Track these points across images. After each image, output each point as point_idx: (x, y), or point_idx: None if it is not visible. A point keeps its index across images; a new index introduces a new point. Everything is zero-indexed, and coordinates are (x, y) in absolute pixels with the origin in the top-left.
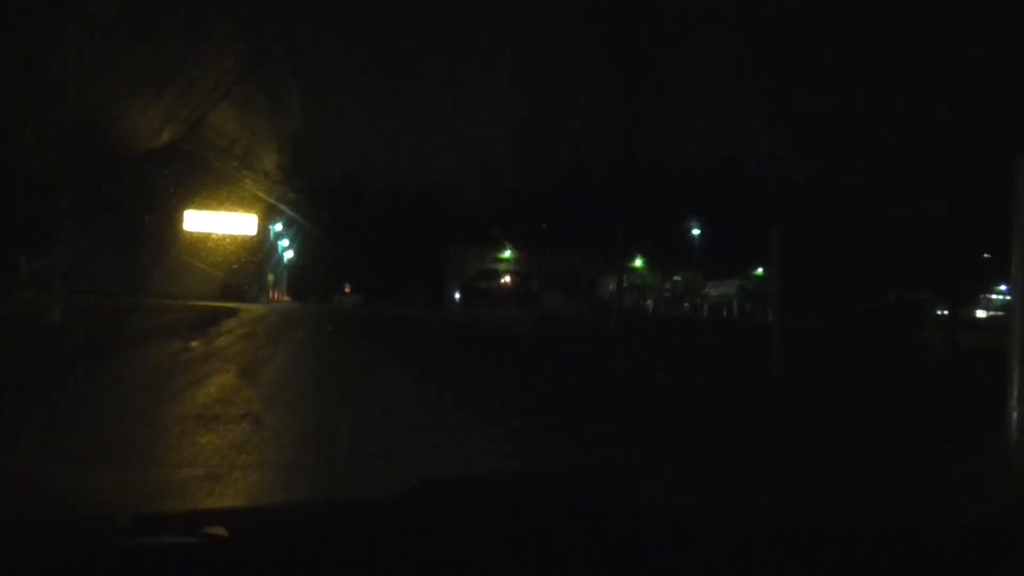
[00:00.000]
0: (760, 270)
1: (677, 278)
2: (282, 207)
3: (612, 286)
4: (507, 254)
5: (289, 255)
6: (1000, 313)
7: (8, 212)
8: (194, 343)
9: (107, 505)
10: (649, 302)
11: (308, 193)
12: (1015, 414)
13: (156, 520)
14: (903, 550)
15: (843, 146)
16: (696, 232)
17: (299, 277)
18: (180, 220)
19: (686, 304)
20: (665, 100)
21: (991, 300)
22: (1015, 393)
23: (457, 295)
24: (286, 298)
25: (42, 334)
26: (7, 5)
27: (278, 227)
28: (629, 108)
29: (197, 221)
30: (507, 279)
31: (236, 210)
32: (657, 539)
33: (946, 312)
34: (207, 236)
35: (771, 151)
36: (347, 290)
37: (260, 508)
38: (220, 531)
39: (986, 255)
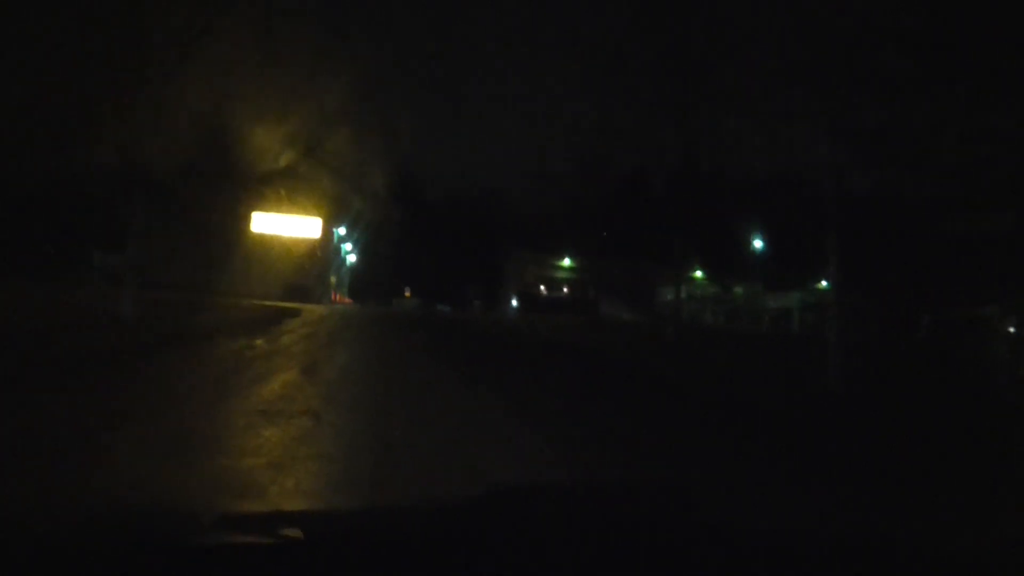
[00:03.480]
0: (823, 283)
1: (737, 289)
2: (346, 211)
3: (670, 296)
4: (566, 261)
5: (352, 258)
6: None
7: (83, 208)
8: (258, 341)
9: (178, 491)
10: (708, 313)
11: (372, 198)
12: None
13: (237, 519)
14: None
15: (906, 157)
16: (757, 244)
17: (360, 280)
18: (248, 221)
19: (744, 316)
20: (725, 109)
21: None
22: None
23: (514, 301)
24: (347, 300)
25: (114, 328)
26: (142, 33)
27: (342, 230)
28: (689, 117)
29: (264, 223)
30: (565, 286)
31: (302, 213)
32: (720, 557)
33: (1013, 329)
34: (274, 238)
35: (832, 162)
36: (407, 293)
37: (335, 511)
38: (296, 533)
39: None
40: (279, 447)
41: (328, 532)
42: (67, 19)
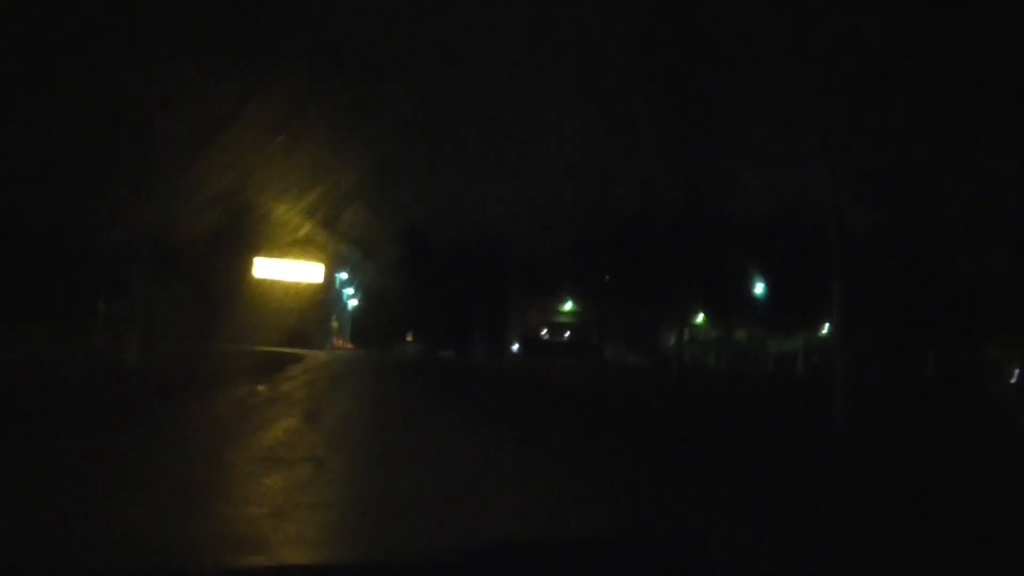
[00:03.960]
0: (827, 326)
1: (740, 332)
2: (348, 257)
3: (674, 339)
4: (568, 306)
5: (353, 303)
6: None
7: (87, 259)
8: (260, 387)
9: (181, 541)
10: (711, 356)
11: (374, 243)
12: None
13: (240, 574)
14: None
15: (908, 198)
16: (759, 287)
17: (362, 324)
18: (250, 268)
19: (748, 359)
20: (726, 153)
21: None
22: None
23: (517, 346)
24: (349, 345)
25: (119, 376)
26: (222, 98)
27: (343, 275)
28: (691, 161)
29: (266, 269)
30: (567, 331)
31: (304, 259)
32: None
33: (1017, 371)
34: (276, 283)
35: (834, 203)
36: (408, 338)
37: (336, 565)
38: None
39: None
40: (281, 495)
41: None
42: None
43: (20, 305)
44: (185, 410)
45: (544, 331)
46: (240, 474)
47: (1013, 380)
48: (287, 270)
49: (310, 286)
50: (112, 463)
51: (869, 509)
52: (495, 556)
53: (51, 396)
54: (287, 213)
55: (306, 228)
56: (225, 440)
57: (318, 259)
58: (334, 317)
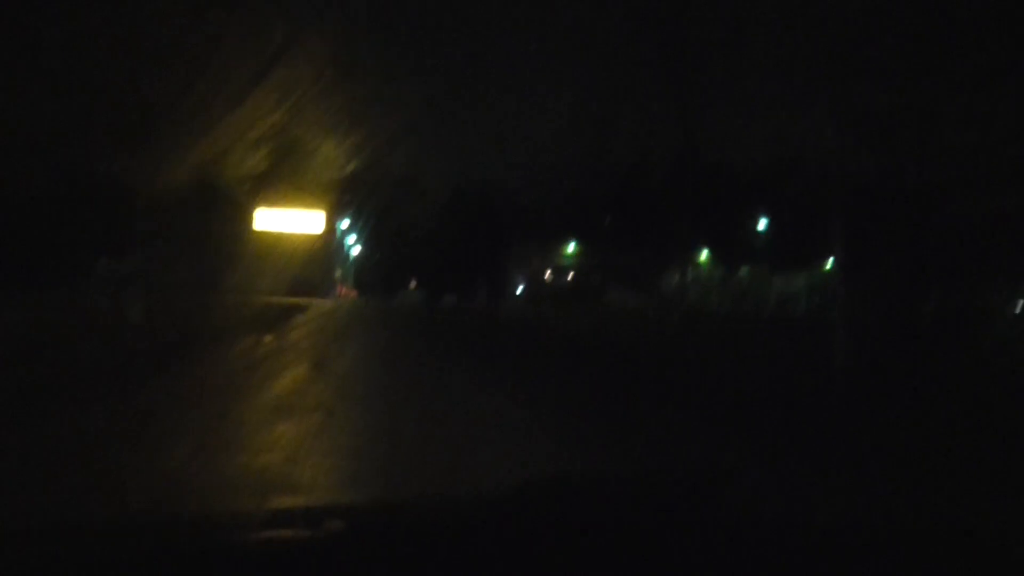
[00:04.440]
0: (830, 263)
1: (743, 272)
2: (349, 205)
3: (676, 280)
4: (570, 249)
5: (356, 251)
6: None
7: (86, 215)
8: (267, 338)
9: (205, 490)
10: (714, 296)
11: (374, 192)
12: None
13: (284, 515)
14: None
15: (910, 141)
16: (761, 226)
17: (365, 272)
18: (251, 219)
19: (750, 299)
20: (724, 98)
21: None
22: None
23: (519, 290)
24: (353, 293)
25: (124, 333)
26: (217, 52)
27: (345, 224)
28: (688, 106)
29: (267, 220)
30: (570, 275)
31: (305, 207)
32: (749, 545)
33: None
34: (277, 234)
35: (835, 146)
36: (412, 285)
37: (376, 503)
38: (338, 525)
39: None
40: (294, 443)
41: (368, 525)
42: (73, 35)
43: (19, 268)
44: (193, 364)
45: (547, 274)
46: (253, 424)
47: (1017, 311)
48: (288, 220)
49: (312, 235)
50: (125, 419)
51: (873, 447)
52: (514, 495)
53: (59, 357)
54: (286, 164)
55: (306, 178)
56: (236, 391)
57: (319, 208)
58: (337, 265)
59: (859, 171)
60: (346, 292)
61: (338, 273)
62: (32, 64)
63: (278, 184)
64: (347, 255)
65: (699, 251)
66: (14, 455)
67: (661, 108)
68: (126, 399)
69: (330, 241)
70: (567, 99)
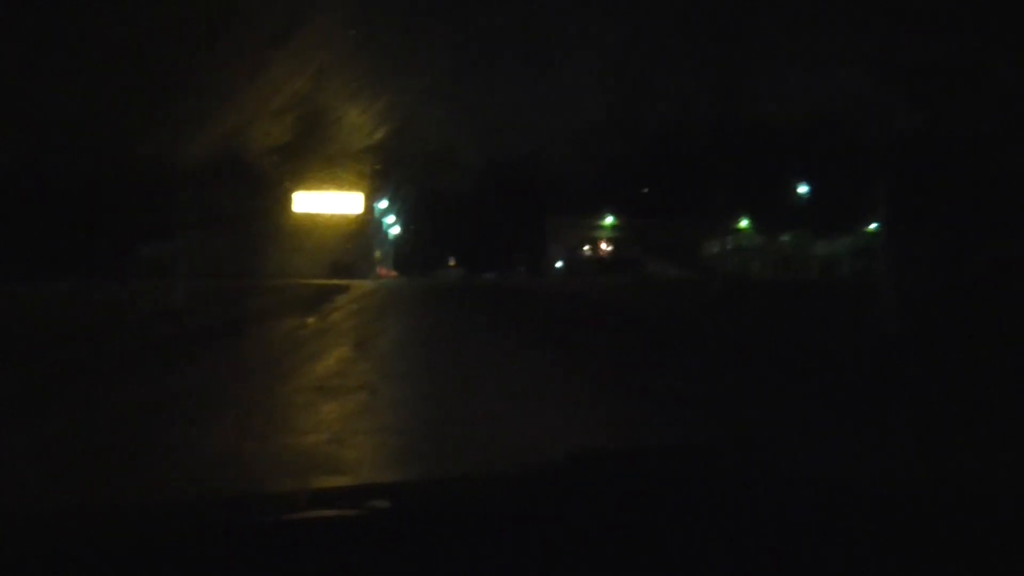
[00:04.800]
0: (873, 226)
1: (784, 238)
2: (387, 185)
3: (716, 249)
4: (608, 221)
5: (394, 231)
6: None
7: (128, 202)
8: (310, 319)
9: (252, 471)
10: (755, 263)
11: (411, 170)
12: None
13: (329, 495)
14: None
15: (954, 94)
16: (803, 190)
17: (404, 252)
18: (289, 202)
19: (793, 264)
20: (763, 57)
21: None
22: None
23: (558, 264)
24: (393, 273)
25: (167, 317)
26: (237, 19)
27: (383, 204)
28: (726, 66)
29: (306, 202)
30: (608, 247)
31: (343, 189)
32: (808, 509)
33: None
34: (316, 216)
35: (877, 102)
36: (451, 263)
37: (421, 481)
38: (383, 504)
39: None
40: (338, 422)
41: (413, 503)
42: (106, 20)
43: (66, 255)
44: (237, 346)
45: (585, 248)
46: (297, 404)
47: None
48: (326, 202)
49: (350, 216)
50: (170, 401)
51: (923, 411)
52: (559, 469)
53: (104, 341)
54: (323, 146)
55: (343, 159)
56: (280, 372)
57: (357, 189)
58: (376, 246)
59: (902, 127)
60: (386, 272)
61: (377, 254)
62: (60, 47)
63: (316, 166)
64: (386, 235)
65: (739, 219)
66: (61, 436)
67: (698, 69)
68: (170, 382)
69: (369, 222)
70: (602, 63)
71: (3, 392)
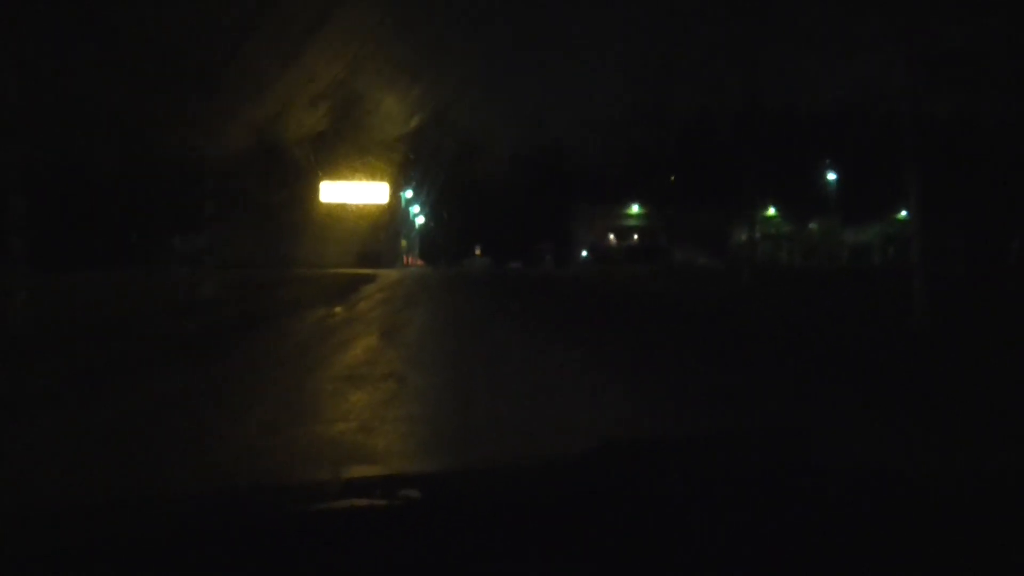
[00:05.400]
0: (903, 213)
1: (813, 225)
2: (412, 174)
3: (744, 237)
4: (634, 209)
5: (420, 220)
6: None
7: (161, 195)
8: (337, 309)
9: (282, 460)
10: (784, 252)
11: (436, 159)
12: None
13: (361, 484)
14: None
15: (985, 78)
16: (831, 177)
17: (431, 241)
18: (317, 192)
19: (822, 252)
20: (790, 43)
21: None
22: None
23: (585, 253)
24: (419, 262)
25: (197, 308)
26: (270, 9)
27: (408, 194)
28: (752, 53)
29: (332, 192)
30: (635, 235)
31: (369, 179)
32: (844, 499)
33: None
34: (343, 206)
35: (908, 88)
36: (477, 252)
37: (452, 470)
38: (414, 494)
39: None
40: (367, 411)
41: (444, 492)
42: (130, 13)
43: (99, 246)
44: (267, 336)
45: (611, 237)
46: (326, 393)
47: None
48: (353, 192)
49: (377, 206)
50: (201, 392)
51: (958, 399)
52: (592, 458)
53: (137, 332)
54: (350, 136)
55: (372, 149)
56: (309, 361)
57: (383, 179)
58: (403, 236)
59: (933, 113)
60: (412, 261)
61: (404, 243)
62: (91, 38)
63: (345, 155)
64: (412, 225)
65: (767, 206)
66: (93, 427)
67: (724, 55)
68: (201, 372)
69: (395, 212)
70: (629, 51)
71: (36, 384)
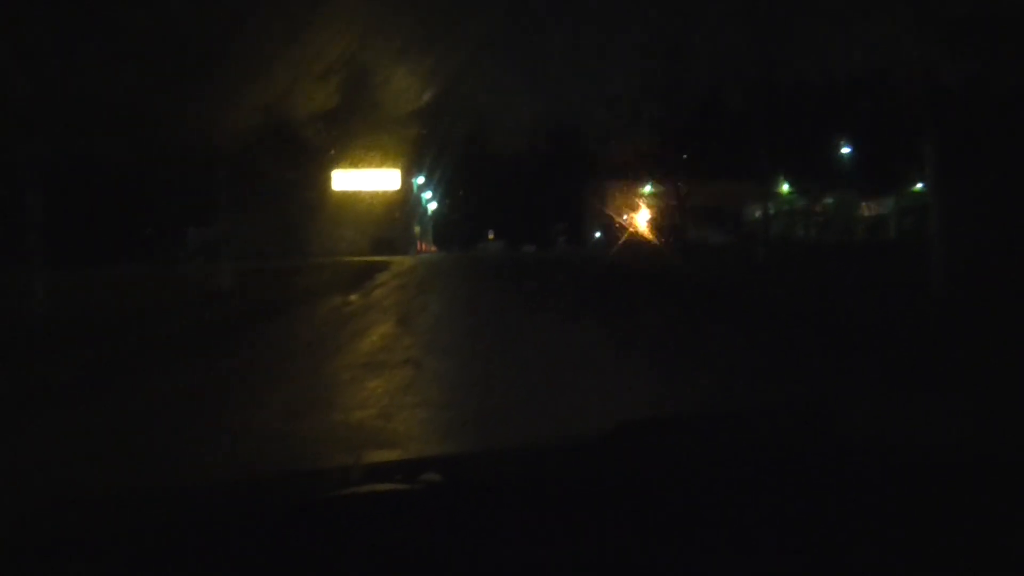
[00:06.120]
0: (919, 185)
1: (828, 200)
2: (423, 160)
3: (758, 214)
4: (647, 189)
5: (432, 206)
6: None
7: (174, 189)
8: (352, 297)
9: (301, 448)
10: (798, 227)
11: (447, 143)
12: None
13: (382, 469)
14: None
15: (1003, 44)
16: (845, 151)
17: (443, 226)
18: (328, 181)
19: (837, 227)
20: (803, 12)
21: None
22: None
23: (598, 234)
24: (432, 248)
25: (214, 299)
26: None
27: (420, 180)
28: (764, 25)
29: (344, 180)
30: (649, 214)
31: (379, 166)
32: (869, 472)
33: None
34: (355, 194)
35: (923, 54)
36: (490, 236)
37: (472, 453)
38: (434, 477)
39: None
40: (385, 397)
41: (465, 475)
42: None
43: (113, 241)
44: (283, 325)
45: (624, 217)
46: (344, 381)
47: None
48: (364, 180)
49: (388, 193)
50: (220, 381)
51: (979, 371)
52: (613, 437)
53: (156, 323)
54: (362, 112)
55: (382, 126)
56: (326, 349)
57: (394, 166)
58: (415, 222)
59: (947, 81)
60: (425, 248)
61: (416, 229)
62: (96, 29)
63: (354, 136)
64: (424, 211)
65: (780, 182)
66: (113, 418)
67: (735, 28)
68: (220, 362)
69: (407, 198)
70: (639, 27)
71: (57, 377)
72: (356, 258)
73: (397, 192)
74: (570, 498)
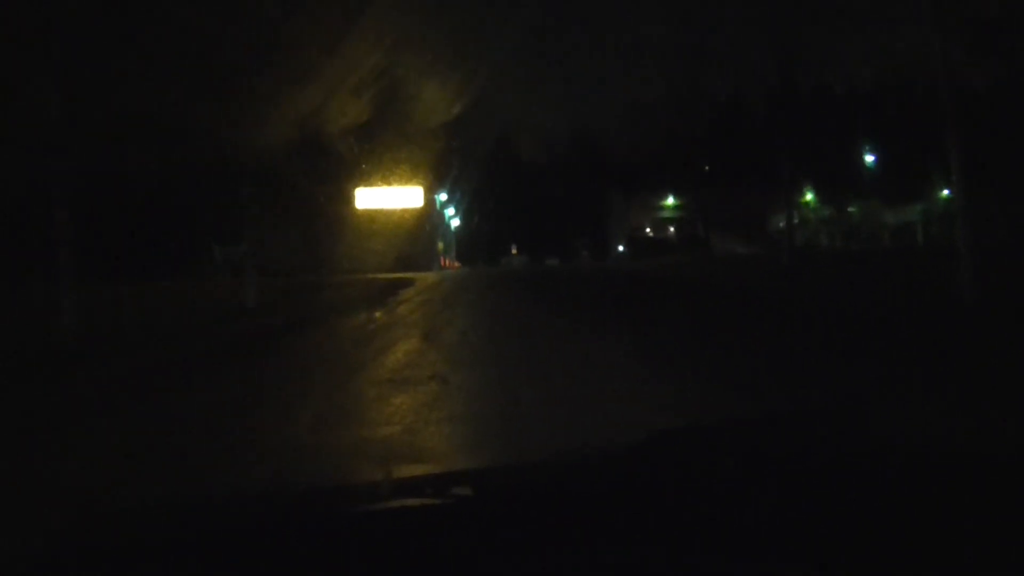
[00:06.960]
0: (945, 192)
1: (852, 208)
2: (446, 176)
3: (782, 223)
4: (670, 200)
5: (455, 222)
6: None
7: (200, 205)
8: (377, 313)
9: (329, 464)
10: (823, 236)
11: (469, 159)
12: None
13: (412, 484)
14: None
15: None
16: (869, 159)
17: (466, 242)
18: (352, 198)
19: (862, 234)
20: (823, 19)
21: None
22: None
23: (622, 247)
24: (456, 264)
25: (241, 315)
26: (297, 15)
27: (443, 196)
28: (784, 32)
29: (367, 198)
30: (672, 225)
31: (403, 184)
32: (905, 476)
33: None
34: (378, 211)
35: (945, 58)
36: (514, 250)
37: (502, 467)
38: (466, 491)
39: None
40: (411, 413)
41: (495, 488)
42: (165, 22)
43: (143, 257)
44: (309, 341)
45: (648, 228)
46: (370, 397)
47: None
48: (388, 197)
49: (412, 210)
50: (248, 397)
51: (1012, 375)
52: (643, 447)
53: (184, 340)
54: (390, 125)
55: (410, 139)
56: (351, 366)
57: (416, 183)
58: (439, 238)
59: (971, 85)
60: (449, 263)
61: (440, 245)
62: (127, 44)
63: (381, 150)
64: (447, 227)
65: (804, 191)
66: (144, 431)
67: (755, 36)
68: (248, 378)
69: (430, 215)
70: (659, 36)
71: (88, 393)
72: (380, 274)
73: (420, 209)
74: (603, 510)
